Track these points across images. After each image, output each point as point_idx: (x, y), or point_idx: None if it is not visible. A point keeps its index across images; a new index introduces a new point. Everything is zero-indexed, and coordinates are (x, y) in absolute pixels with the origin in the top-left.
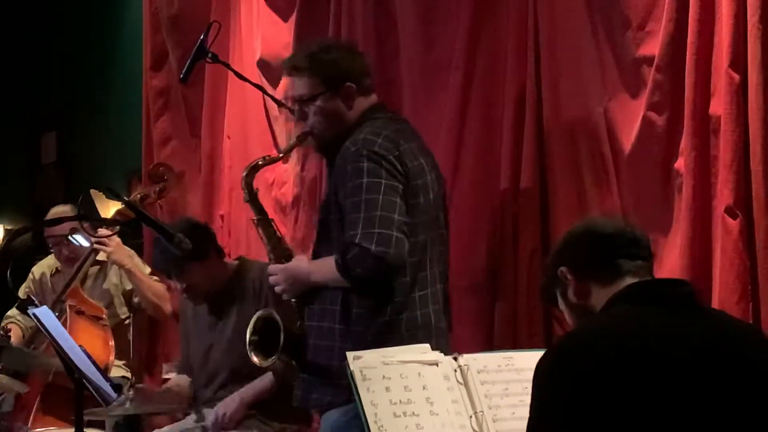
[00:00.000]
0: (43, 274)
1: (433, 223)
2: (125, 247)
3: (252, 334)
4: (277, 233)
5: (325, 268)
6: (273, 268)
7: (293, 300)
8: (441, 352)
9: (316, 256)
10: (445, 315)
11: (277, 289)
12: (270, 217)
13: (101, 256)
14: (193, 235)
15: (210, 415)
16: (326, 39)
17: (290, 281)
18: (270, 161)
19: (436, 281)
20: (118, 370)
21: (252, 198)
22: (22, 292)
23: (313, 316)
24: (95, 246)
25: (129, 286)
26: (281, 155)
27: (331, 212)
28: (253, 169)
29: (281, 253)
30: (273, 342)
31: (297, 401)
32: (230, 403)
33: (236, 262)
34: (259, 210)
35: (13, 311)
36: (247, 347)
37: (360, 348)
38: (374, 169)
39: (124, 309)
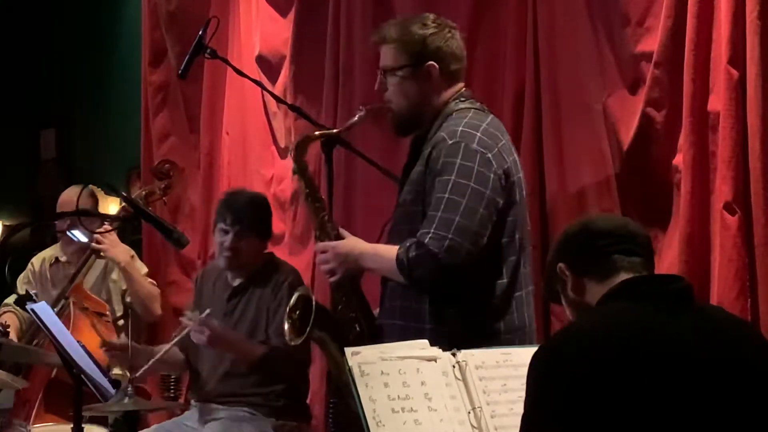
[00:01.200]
0: (42, 265)
1: (525, 222)
2: (124, 245)
3: (291, 311)
4: (326, 210)
5: (382, 256)
6: (323, 245)
7: (332, 282)
8: None
9: (391, 242)
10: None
11: (325, 267)
12: (319, 194)
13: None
14: (261, 214)
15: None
16: (424, 15)
17: (341, 259)
18: (326, 134)
19: (529, 282)
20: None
21: (302, 171)
22: (20, 284)
23: (394, 314)
24: (93, 246)
25: (125, 285)
26: (343, 129)
27: (416, 203)
28: (305, 140)
29: (328, 230)
30: (307, 321)
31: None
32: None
33: (268, 255)
34: (309, 183)
35: (10, 299)
36: (285, 322)
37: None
38: (465, 169)
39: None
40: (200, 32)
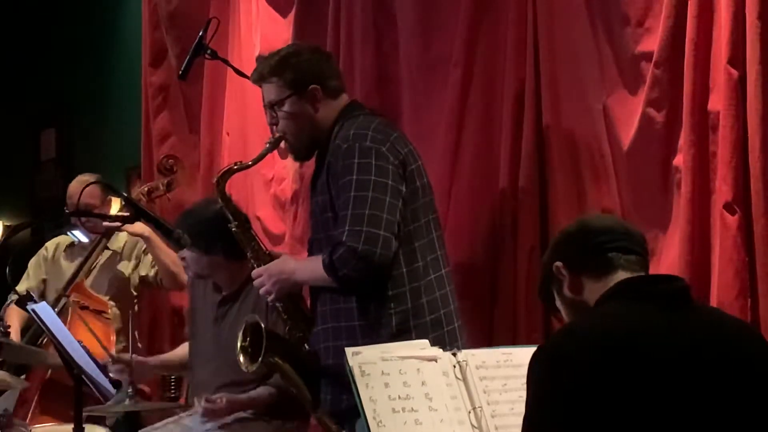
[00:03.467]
0: (56, 250)
1: (431, 206)
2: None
3: (242, 340)
4: (256, 238)
5: (311, 267)
6: (256, 270)
7: (278, 304)
8: (460, 334)
9: (313, 254)
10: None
11: (262, 291)
12: (247, 221)
13: (116, 245)
14: (205, 230)
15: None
16: (292, 44)
17: (273, 280)
18: (243, 167)
19: (445, 263)
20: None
21: (226, 203)
22: (30, 267)
23: (326, 318)
24: (106, 224)
25: (140, 272)
26: (254, 161)
27: (326, 210)
28: (225, 174)
29: (263, 256)
30: (259, 347)
31: (327, 405)
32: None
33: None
34: (235, 215)
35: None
36: (237, 352)
37: (387, 340)
38: (365, 166)
39: (127, 302)
40: (200, 33)
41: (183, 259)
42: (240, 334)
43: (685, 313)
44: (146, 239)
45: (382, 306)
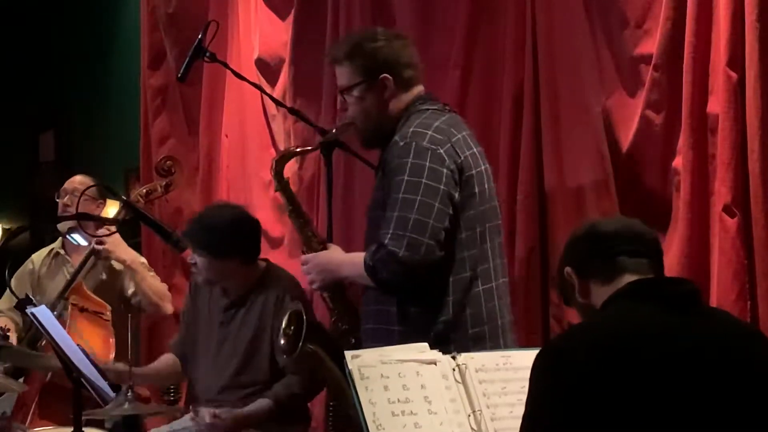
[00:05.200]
0: (41, 262)
1: (492, 213)
2: (122, 243)
3: (286, 326)
4: (311, 224)
5: (355, 263)
6: (304, 257)
7: (325, 294)
8: (508, 347)
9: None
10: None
11: (308, 279)
12: (301, 207)
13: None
14: (219, 234)
15: (205, 417)
16: (371, 28)
17: (319, 269)
18: (304, 151)
19: (499, 274)
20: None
21: (284, 187)
22: (14, 280)
23: (369, 318)
24: (94, 246)
25: (130, 290)
26: (317, 146)
27: (378, 207)
28: (284, 157)
29: (315, 244)
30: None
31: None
32: (224, 413)
33: (263, 264)
34: (291, 200)
35: (1, 305)
36: (280, 336)
37: None
38: (418, 167)
39: (119, 308)
40: (199, 35)
41: (194, 264)
42: (285, 319)
43: (691, 316)
44: (128, 267)
45: (423, 314)
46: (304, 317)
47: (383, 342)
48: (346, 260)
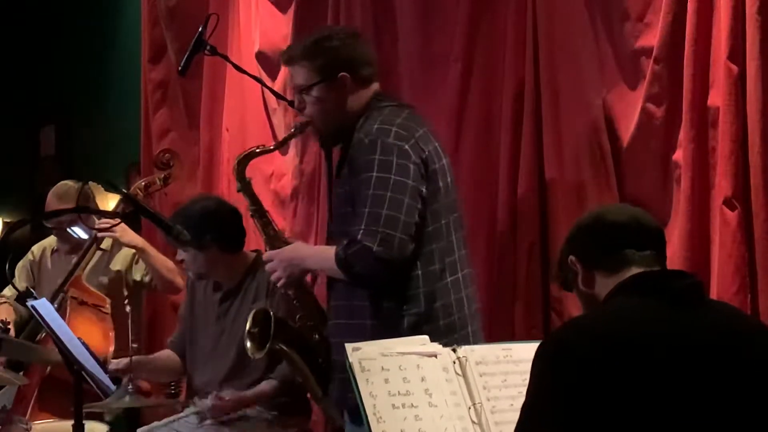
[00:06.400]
0: (42, 253)
1: (454, 207)
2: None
3: (251, 326)
4: (273, 223)
5: (323, 256)
6: (268, 254)
7: (290, 291)
8: (476, 334)
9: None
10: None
11: (273, 276)
12: (266, 207)
13: (105, 244)
14: (193, 225)
15: (207, 401)
16: (326, 27)
17: (285, 264)
18: (265, 151)
19: (464, 265)
20: None
21: (245, 187)
22: (18, 271)
23: (340, 313)
24: (100, 234)
25: (134, 276)
26: (277, 145)
27: (346, 204)
28: (247, 157)
29: (278, 243)
30: (267, 334)
31: (334, 400)
32: (228, 395)
33: (253, 255)
34: (253, 200)
35: (7, 290)
36: (245, 338)
37: None
38: (386, 163)
39: (120, 301)
40: (200, 29)
41: (182, 261)
42: (249, 320)
43: (695, 310)
44: (140, 250)
45: (396, 307)
46: (272, 315)
47: (355, 336)
48: (312, 253)
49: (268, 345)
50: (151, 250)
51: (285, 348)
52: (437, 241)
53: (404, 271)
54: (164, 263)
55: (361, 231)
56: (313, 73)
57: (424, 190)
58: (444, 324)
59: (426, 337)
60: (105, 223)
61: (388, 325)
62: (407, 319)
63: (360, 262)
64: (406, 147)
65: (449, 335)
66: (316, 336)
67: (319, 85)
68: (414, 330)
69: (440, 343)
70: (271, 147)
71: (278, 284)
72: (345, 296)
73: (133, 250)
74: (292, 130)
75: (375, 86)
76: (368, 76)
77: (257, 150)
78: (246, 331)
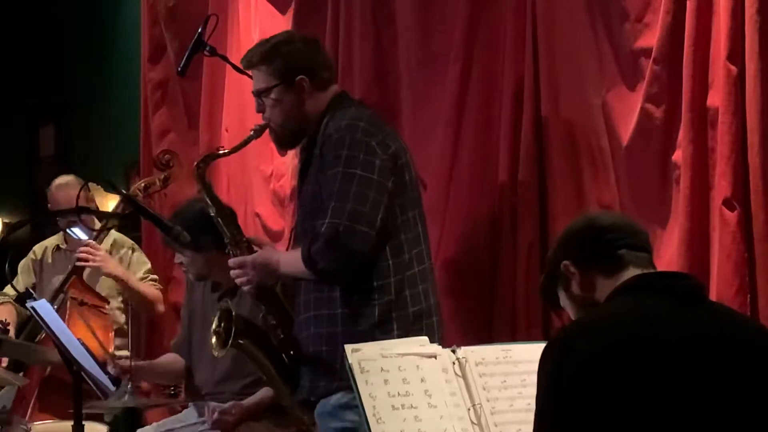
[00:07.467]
0: (44, 253)
1: (418, 201)
2: (111, 258)
3: (216, 325)
4: (235, 223)
5: (294, 259)
6: (239, 260)
7: (252, 290)
8: (438, 328)
9: (299, 244)
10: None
11: (241, 280)
12: (230, 208)
13: (105, 245)
14: (192, 227)
15: (208, 408)
16: (284, 32)
17: (262, 271)
18: (224, 154)
19: (427, 258)
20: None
21: (206, 189)
22: (20, 270)
23: (309, 306)
24: (82, 264)
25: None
26: (234, 149)
27: (315, 200)
28: (206, 159)
29: (241, 244)
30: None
31: (305, 393)
32: (229, 407)
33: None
34: (213, 201)
35: (8, 289)
36: (210, 336)
37: (368, 330)
38: (352, 159)
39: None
40: (199, 29)
41: (181, 264)
42: (215, 319)
43: (698, 310)
44: (120, 280)
45: (366, 296)
46: (233, 314)
47: (326, 326)
48: (284, 258)
49: (229, 342)
50: (132, 280)
51: (247, 345)
52: (406, 233)
53: (372, 263)
54: (143, 293)
55: (325, 225)
56: (272, 76)
57: (390, 184)
58: (413, 312)
59: (425, 338)
60: (86, 252)
61: (358, 314)
62: (378, 307)
63: (323, 257)
64: (374, 143)
65: (418, 323)
66: (281, 335)
67: (278, 87)
68: (384, 317)
69: (410, 331)
70: (231, 149)
71: (245, 288)
72: (313, 290)
73: (131, 251)
74: (251, 134)
75: (334, 88)
76: (326, 78)
77: (218, 152)
78: (212, 329)
